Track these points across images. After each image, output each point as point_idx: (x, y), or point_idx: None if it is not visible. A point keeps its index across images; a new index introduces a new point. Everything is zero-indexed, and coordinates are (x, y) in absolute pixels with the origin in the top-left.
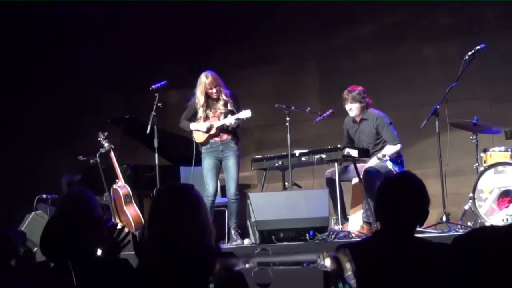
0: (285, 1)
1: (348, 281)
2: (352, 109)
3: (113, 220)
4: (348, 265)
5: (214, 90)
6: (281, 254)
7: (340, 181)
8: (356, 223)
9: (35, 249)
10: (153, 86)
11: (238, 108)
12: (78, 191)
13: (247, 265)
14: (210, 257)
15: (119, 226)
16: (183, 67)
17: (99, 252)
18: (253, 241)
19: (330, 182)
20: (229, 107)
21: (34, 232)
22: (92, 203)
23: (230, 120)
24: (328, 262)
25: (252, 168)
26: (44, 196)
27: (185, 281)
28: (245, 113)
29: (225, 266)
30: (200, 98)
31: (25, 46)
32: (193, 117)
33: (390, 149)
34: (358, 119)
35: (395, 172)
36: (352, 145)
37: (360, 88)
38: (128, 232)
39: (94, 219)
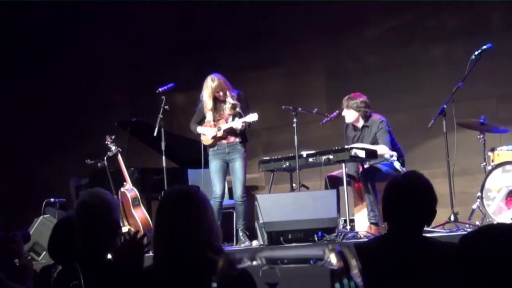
0: (292, 3)
1: (354, 279)
2: (347, 116)
3: (121, 223)
4: (354, 262)
5: (221, 94)
6: (287, 249)
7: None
8: (362, 222)
9: (44, 253)
10: (160, 89)
11: (247, 109)
12: (98, 192)
13: (254, 262)
14: (217, 258)
15: (125, 229)
16: (190, 69)
17: (108, 255)
18: (262, 243)
19: (333, 182)
20: (237, 109)
21: (42, 236)
22: (112, 206)
23: (237, 124)
24: (334, 259)
25: (260, 169)
26: (52, 200)
27: (193, 283)
28: (252, 117)
29: (228, 262)
30: (207, 102)
31: (32, 51)
32: (202, 121)
33: (383, 149)
34: (359, 126)
35: (402, 172)
36: None
37: (361, 98)
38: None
39: (112, 224)
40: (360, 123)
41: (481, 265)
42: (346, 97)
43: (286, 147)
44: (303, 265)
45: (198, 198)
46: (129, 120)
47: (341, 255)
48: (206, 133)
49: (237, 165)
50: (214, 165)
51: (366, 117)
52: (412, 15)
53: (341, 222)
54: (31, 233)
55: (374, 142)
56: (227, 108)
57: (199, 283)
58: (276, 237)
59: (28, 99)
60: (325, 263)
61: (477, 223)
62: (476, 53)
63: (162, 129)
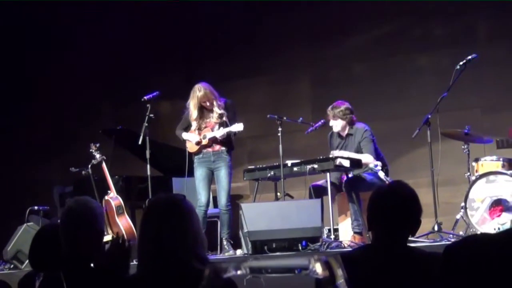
0: (277, 12)
1: None
2: (335, 125)
3: (105, 231)
4: (339, 272)
5: (207, 103)
6: (272, 259)
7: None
8: (346, 231)
9: (27, 261)
10: (145, 97)
11: (233, 118)
12: (85, 201)
13: (238, 272)
14: (202, 268)
15: (108, 238)
16: (176, 78)
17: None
18: (246, 252)
19: (317, 191)
20: (224, 118)
21: (26, 244)
22: (98, 215)
23: (222, 133)
24: (319, 269)
25: (245, 178)
26: (35, 207)
27: None
28: (237, 127)
29: (214, 272)
30: (193, 111)
31: (18, 58)
32: (188, 128)
33: (367, 157)
34: (343, 134)
35: (386, 182)
36: None
37: (344, 105)
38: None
39: (98, 232)
40: (346, 131)
41: (465, 275)
42: (330, 107)
43: (271, 156)
44: (288, 274)
45: (184, 207)
46: (114, 128)
47: (326, 265)
48: (191, 138)
49: (222, 174)
50: (200, 173)
51: (351, 124)
52: (398, 24)
53: (325, 232)
54: (14, 240)
55: (358, 150)
56: (213, 116)
57: None
58: (260, 246)
59: (12, 106)
60: (310, 273)
61: (461, 233)
62: (461, 63)
63: (147, 137)
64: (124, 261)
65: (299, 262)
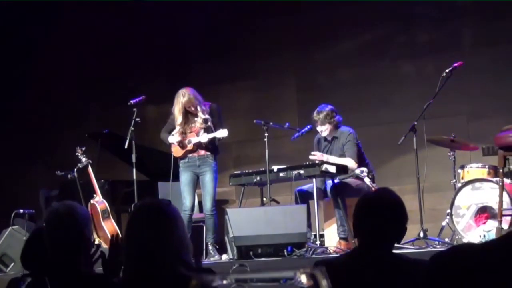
0: (264, 17)
1: None
2: (323, 130)
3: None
4: (324, 282)
5: (192, 108)
6: (259, 270)
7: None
8: (331, 237)
9: (12, 264)
10: (132, 101)
11: (219, 122)
12: (71, 205)
13: (224, 282)
14: (188, 273)
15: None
16: (162, 82)
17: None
18: (231, 257)
19: (303, 196)
20: (208, 123)
21: (11, 247)
22: (84, 219)
23: (206, 138)
24: (304, 279)
25: (230, 183)
26: (21, 211)
27: None
28: (222, 133)
29: (201, 282)
30: (177, 117)
31: (1, 61)
32: (173, 132)
33: (349, 162)
34: (329, 138)
35: (373, 188)
36: None
37: (328, 108)
38: (98, 247)
39: (83, 236)
40: (332, 135)
41: (450, 284)
42: (315, 112)
43: (257, 161)
44: (273, 283)
45: (169, 212)
46: (100, 132)
47: (311, 275)
48: (176, 141)
49: (207, 178)
50: (185, 177)
51: (337, 127)
52: (383, 31)
53: (311, 237)
54: None
55: (342, 154)
56: (198, 121)
57: None
58: (246, 251)
59: None
60: (295, 282)
61: (447, 240)
62: (447, 70)
63: (133, 141)
64: (118, 263)
65: (285, 275)
